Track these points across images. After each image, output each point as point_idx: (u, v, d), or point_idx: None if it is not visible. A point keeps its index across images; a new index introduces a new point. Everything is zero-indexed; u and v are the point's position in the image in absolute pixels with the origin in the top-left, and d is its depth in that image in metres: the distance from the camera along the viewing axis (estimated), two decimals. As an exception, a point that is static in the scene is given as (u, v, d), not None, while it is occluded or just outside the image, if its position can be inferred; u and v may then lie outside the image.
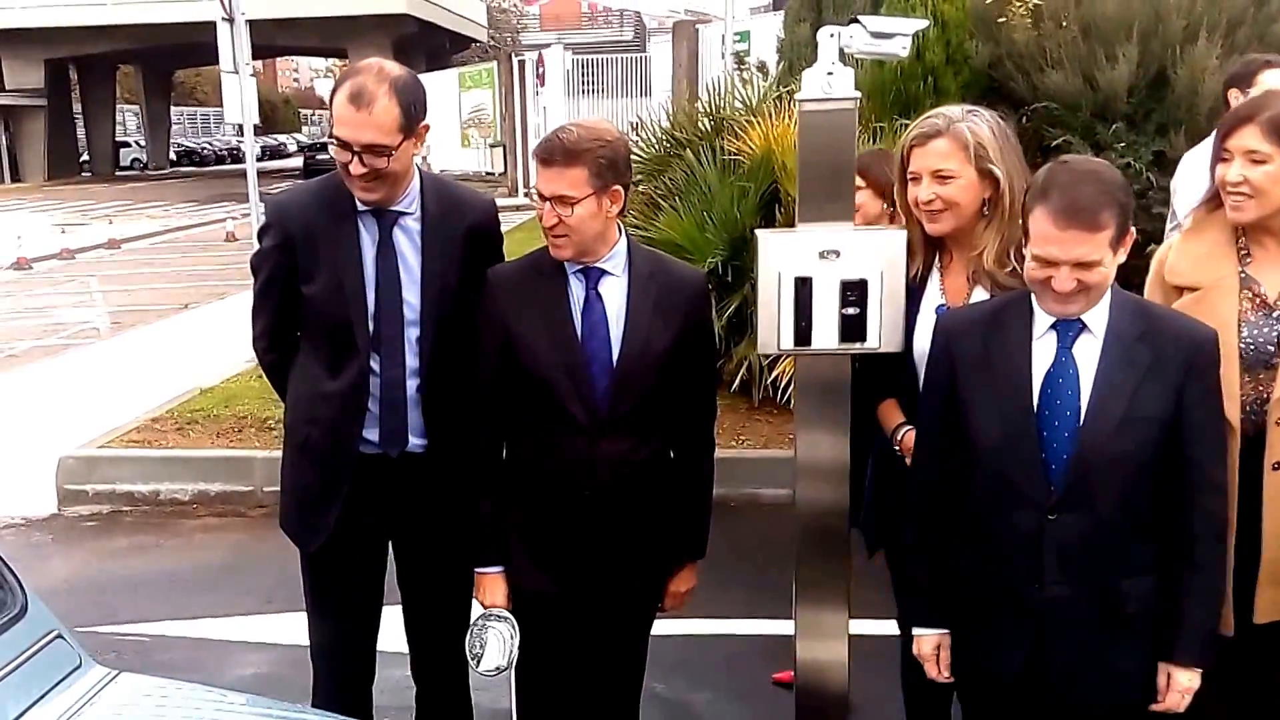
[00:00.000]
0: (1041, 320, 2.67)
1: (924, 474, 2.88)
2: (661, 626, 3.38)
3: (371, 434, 3.23)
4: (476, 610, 3.13)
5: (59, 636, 2.46)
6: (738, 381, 7.37)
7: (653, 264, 3.13)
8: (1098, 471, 2.60)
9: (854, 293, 3.06)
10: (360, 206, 3.15)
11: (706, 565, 3.33)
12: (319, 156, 40.33)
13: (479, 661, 2.82)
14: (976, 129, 3.03)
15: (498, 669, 2.83)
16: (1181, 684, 2.69)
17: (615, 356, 3.00)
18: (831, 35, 3.09)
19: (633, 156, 8.88)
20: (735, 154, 7.54)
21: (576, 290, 3.02)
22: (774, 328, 3.11)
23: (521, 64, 26.89)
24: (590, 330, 3.01)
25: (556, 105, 25.19)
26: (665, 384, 3.07)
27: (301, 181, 3.69)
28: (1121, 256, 2.58)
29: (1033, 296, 2.67)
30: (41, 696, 2.30)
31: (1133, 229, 2.58)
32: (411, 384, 3.22)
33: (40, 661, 2.36)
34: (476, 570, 3.16)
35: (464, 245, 3.24)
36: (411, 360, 3.20)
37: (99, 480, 7.27)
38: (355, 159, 3.00)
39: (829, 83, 3.07)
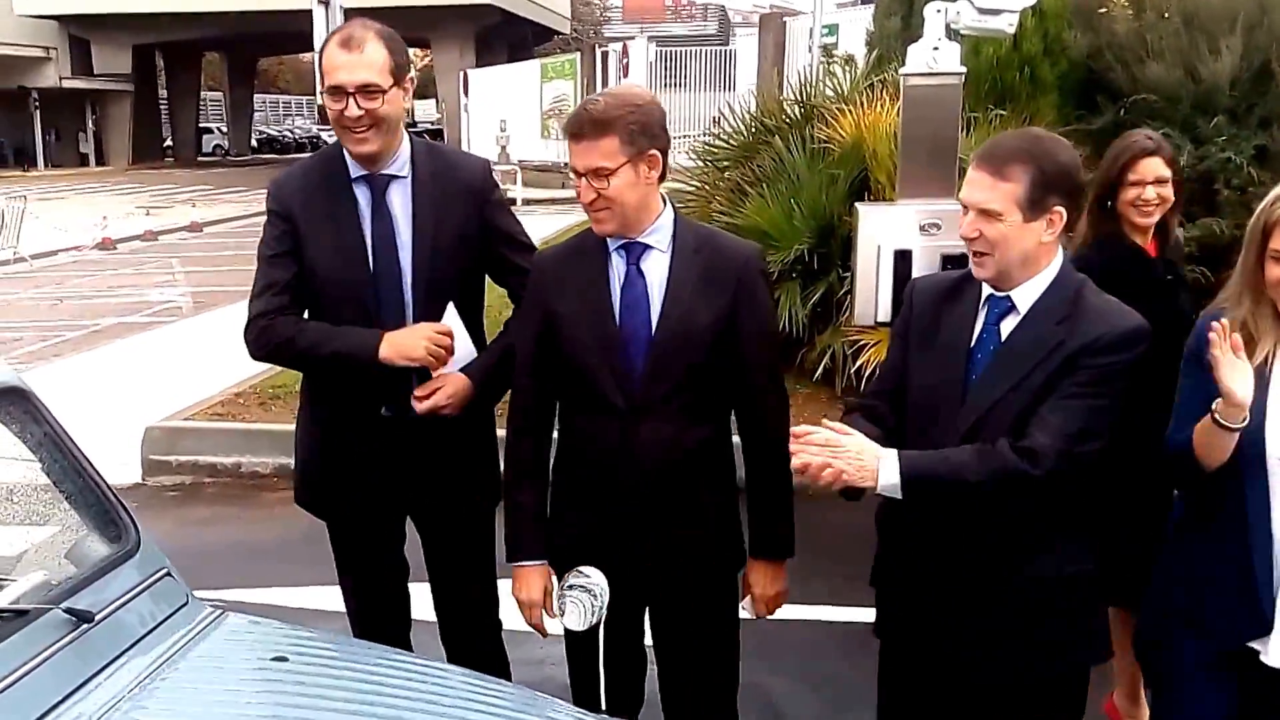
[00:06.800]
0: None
1: None
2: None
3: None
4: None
5: (168, 574, 2.58)
6: (820, 370, 7.29)
7: (701, 238, 2.94)
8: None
9: (955, 266, 3.01)
10: (354, 173, 3.20)
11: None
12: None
13: (564, 615, 2.74)
14: None
15: (579, 630, 2.76)
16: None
17: (653, 334, 2.85)
18: (939, 10, 3.07)
19: (720, 142, 8.89)
20: (825, 142, 7.48)
21: (618, 267, 2.87)
22: (871, 299, 3.08)
23: (604, 55, 26.89)
24: (629, 308, 2.85)
25: (638, 97, 25.08)
26: (713, 364, 2.87)
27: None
28: (1045, 234, 2.52)
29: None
30: (156, 626, 2.44)
31: (1060, 210, 2.51)
32: None
33: (153, 595, 2.50)
34: (513, 564, 3.01)
35: (456, 205, 3.25)
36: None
37: (183, 451, 7.38)
38: (350, 101, 3.06)
39: (934, 57, 3.02)
